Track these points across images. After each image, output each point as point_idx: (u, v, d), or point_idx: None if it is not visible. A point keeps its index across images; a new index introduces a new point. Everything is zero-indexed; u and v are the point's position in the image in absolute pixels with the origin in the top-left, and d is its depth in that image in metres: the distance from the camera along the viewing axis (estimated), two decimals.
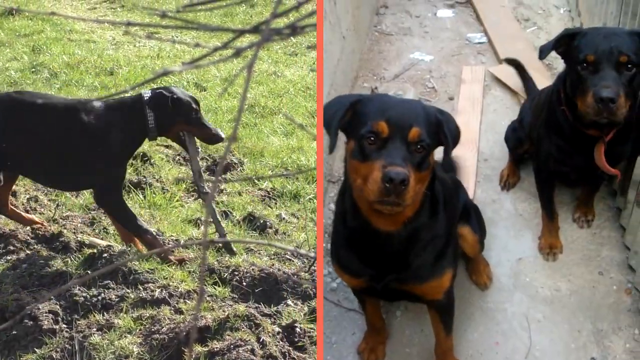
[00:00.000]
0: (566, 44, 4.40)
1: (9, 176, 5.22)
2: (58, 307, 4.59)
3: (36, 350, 4.31)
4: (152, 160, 6.43)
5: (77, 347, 4.30)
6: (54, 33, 9.87)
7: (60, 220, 5.48)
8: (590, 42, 4.20)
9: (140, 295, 4.64)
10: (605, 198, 5.48)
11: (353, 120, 3.47)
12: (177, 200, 5.92)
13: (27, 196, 5.78)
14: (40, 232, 5.25)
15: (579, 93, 4.23)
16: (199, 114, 5.09)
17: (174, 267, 4.92)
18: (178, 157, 6.58)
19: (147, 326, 4.43)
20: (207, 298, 4.63)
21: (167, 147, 6.73)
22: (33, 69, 8.46)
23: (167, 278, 4.80)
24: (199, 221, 5.60)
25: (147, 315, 4.49)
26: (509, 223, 5.42)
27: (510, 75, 6.58)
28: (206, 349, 4.26)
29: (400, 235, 3.60)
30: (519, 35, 7.40)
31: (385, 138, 3.29)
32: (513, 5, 7.97)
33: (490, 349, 4.63)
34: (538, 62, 6.39)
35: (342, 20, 6.44)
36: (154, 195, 5.94)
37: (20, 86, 7.98)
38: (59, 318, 4.52)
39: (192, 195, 6.06)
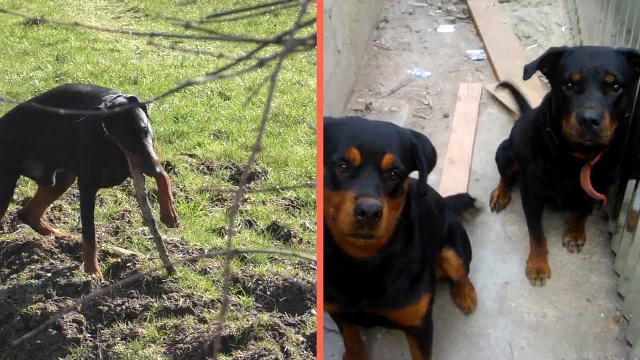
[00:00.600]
0: (551, 63, 4.28)
1: (52, 190, 5.25)
2: (82, 316, 4.58)
3: (60, 359, 4.31)
4: (176, 170, 6.42)
5: (101, 357, 4.29)
6: (78, 42, 9.90)
7: None
8: (576, 61, 4.07)
9: (164, 304, 4.63)
10: (596, 222, 5.36)
11: (325, 145, 3.35)
12: (201, 210, 5.91)
13: (51, 205, 5.78)
14: (64, 242, 5.25)
15: (563, 114, 4.09)
16: (139, 136, 4.65)
17: (198, 276, 4.91)
18: (202, 167, 6.58)
19: (171, 335, 4.42)
20: (231, 307, 4.62)
21: (191, 156, 6.73)
22: (57, 78, 8.49)
23: (191, 287, 4.78)
24: (222, 230, 5.58)
25: (171, 324, 4.48)
26: (497, 245, 5.29)
27: (507, 94, 6.45)
28: (230, 358, 4.25)
29: (374, 262, 3.52)
30: (519, 52, 7.32)
31: (357, 166, 3.19)
32: (514, 22, 7.92)
33: None
34: (536, 80, 6.39)
35: (337, 34, 6.41)
36: (178, 204, 5.93)
37: None
38: (83, 327, 4.51)
39: (216, 205, 6.05)
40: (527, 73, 4.46)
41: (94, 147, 4.70)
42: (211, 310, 4.62)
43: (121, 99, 4.65)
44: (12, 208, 5.67)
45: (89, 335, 4.47)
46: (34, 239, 5.19)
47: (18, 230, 5.41)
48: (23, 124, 4.96)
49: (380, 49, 7.68)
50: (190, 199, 6.03)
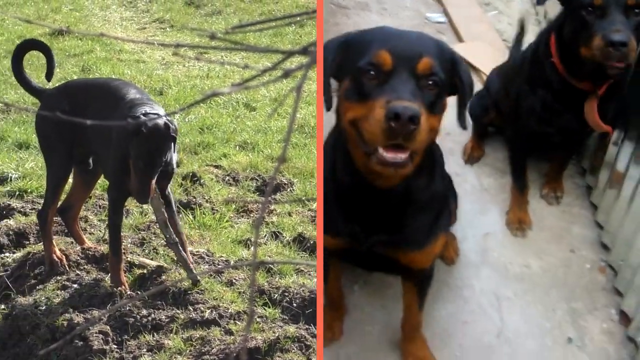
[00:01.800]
0: None
1: (85, 182, 5.28)
2: (108, 327, 4.58)
3: None
4: (201, 181, 6.42)
5: None
6: (104, 53, 9.92)
7: None
8: None
9: (191, 315, 4.63)
10: (572, 176, 5.37)
11: (346, 58, 2.97)
12: (227, 221, 5.90)
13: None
14: (90, 253, 5.25)
15: (582, 40, 4.05)
16: (150, 168, 4.56)
17: (224, 288, 4.90)
18: (228, 178, 6.57)
19: (197, 347, 4.40)
20: (257, 319, 4.60)
21: (216, 167, 6.72)
22: None
23: (217, 299, 4.77)
24: (248, 242, 5.57)
25: (197, 336, 4.47)
26: (474, 197, 5.19)
27: (473, 54, 6.40)
28: None
29: (398, 193, 3.15)
30: (481, 17, 7.30)
31: (388, 71, 2.78)
32: None
33: (459, 328, 4.44)
34: (500, 42, 6.57)
35: None
36: (203, 215, 5.92)
37: None
38: (109, 338, 4.51)
39: (242, 216, 6.04)
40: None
41: (120, 152, 4.69)
42: (237, 321, 4.61)
43: (157, 122, 4.50)
44: None
45: (115, 346, 4.47)
46: (60, 249, 5.19)
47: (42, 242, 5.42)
48: (72, 99, 4.95)
49: (338, 7, 7.57)
50: (216, 210, 6.02)
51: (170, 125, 4.52)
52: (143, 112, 4.59)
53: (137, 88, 4.98)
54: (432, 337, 4.30)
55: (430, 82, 2.79)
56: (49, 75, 5.13)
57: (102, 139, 4.82)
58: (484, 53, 6.33)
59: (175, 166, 4.77)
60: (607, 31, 3.86)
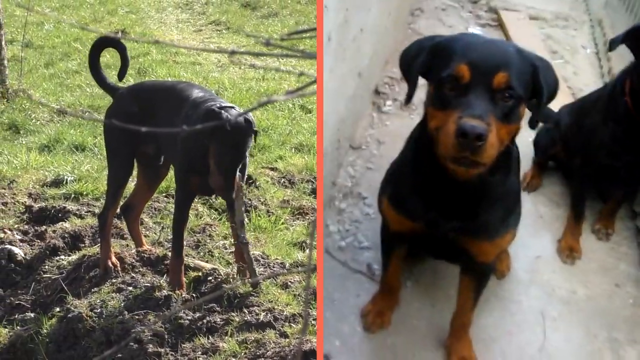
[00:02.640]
0: (636, 37, 4.38)
1: (149, 181, 5.30)
2: (163, 330, 4.56)
3: None
4: (257, 183, 6.40)
5: None
6: (160, 55, 9.96)
7: (166, 243, 5.46)
8: None
9: (245, 318, 4.59)
10: (623, 219, 5.47)
11: (434, 62, 3.14)
12: (282, 223, 5.87)
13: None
14: (145, 255, 5.24)
15: None
16: (236, 161, 4.61)
17: (279, 291, 4.86)
18: (283, 180, 6.54)
19: (252, 350, 4.37)
20: (312, 322, 4.56)
21: (272, 169, 6.70)
22: None
23: (272, 301, 4.74)
24: (304, 244, 5.53)
25: (252, 338, 4.44)
26: (528, 222, 5.24)
27: None
28: None
29: (474, 185, 3.32)
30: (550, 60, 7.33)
31: (466, 84, 2.96)
32: (542, 38, 7.88)
33: (504, 337, 4.52)
34: (565, 88, 6.62)
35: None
36: (259, 218, 5.90)
37: None
38: (164, 342, 4.50)
39: (297, 218, 6.01)
40: (613, 45, 4.53)
41: (188, 151, 4.69)
42: (292, 324, 4.56)
43: (240, 118, 4.54)
44: (93, 221, 5.69)
45: (170, 349, 4.44)
46: (115, 253, 5.18)
47: (99, 244, 5.42)
48: (141, 100, 4.98)
49: (415, 33, 7.61)
50: (272, 212, 6.00)
51: (252, 122, 4.57)
52: (218, 105, 4.61)
53: (202, 88, 5.00)
54: (477, 341, 4.36)
55: (506, 95, 2.97)
56: (121, 74, 5.14)
57: (171, 139, 4.82)
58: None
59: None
60: None
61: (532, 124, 3.35)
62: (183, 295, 4.80)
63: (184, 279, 4.94)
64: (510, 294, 4.78)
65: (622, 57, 4.80)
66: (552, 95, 3.28)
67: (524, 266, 4.98)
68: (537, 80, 3.14)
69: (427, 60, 3.19)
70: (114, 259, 5.11)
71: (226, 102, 4.81)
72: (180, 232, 4.91)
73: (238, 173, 4.59)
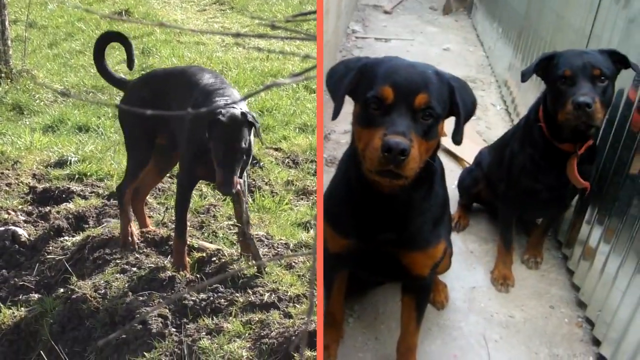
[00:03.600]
0: (545, 66, 4.84)
1: (158, 169, 5.31)
2: (167, 311, 4.56)
3: (145, 354, 4.29)
4: (261, 163, 6.39)
5: (185, 351, 4.26)
6: (164, 35, 9.94)
7: (170, 223, 5.45)
8: (567, 60, 4.66)
9: (250, 299, 4.59)
10: (549, 249, 5.89)
11: (360, 83, 3.33)
12: (287, 204, 5.86)
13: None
14: (149, 236, 5.24)
15: (559, 105, 4.65)
16: (232, 154, 4.54)
17: (283, 271, 4.86)
18: (287, 160, 6.53)
19: (256, 330, 4.37)
20: (317, 302, 4.56)
21: (276, 150, 6.69)
22: (142, 71, 8.51)
23: (276, 282, 4.73)
24: (308, 224, 5.53)
25: (257, 319, 4.44)
26: (461, 258, 5.64)
27: (459, 149, 7.02)
28: (316, 353, 4.18)
29: (400, 198, 3.51)
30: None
31: (389, 104, 3.16)
32: None
33: None
34: (480, 140, 7.49)
35: None
36: (263, 198, 5.89)
37: None
38: (168, 322, 4.49)
39: (302, 199, 6.00)
40: (525, 76, 4.96)
41: (194, 139, 4.67)
42: (296, 305, 4.56)
43: (234, 111, 4.49)
44: (97, 202, 5.68)
45: (174, 330, 4.44)
46: (119, 233, 5.18)
47: (103, 225, 5.41)
48: (153, 88, 4.97)
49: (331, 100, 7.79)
50: (276, 193, 5.99)
51: (247, 114, 4.51)
52: (217, 101, 4.59)
53: (212, 72, 4.96)
54: None
55: (426, 114, 3.19)
56: (130, 65, 5.12)
57: (179, 124, 4.81)
58: (469, 148, 6.87)
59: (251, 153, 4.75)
60: (575, 95, 4.50)
61: (455, 140, 3.49)
62: (187, 276, 4.80)
63: (188, 260, 4.94)
64: (451, 322, 5.00)
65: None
66: (470, 112, 3.51)
67: (461, 296, 5.25)
68: (454, 99, 3.36)
69: (354, 80, 3.37)
70: (135, 233, 5.13)
71: (236, 92, 4.79)
72: (183, 214, 4.90)
73: (241, 178, 4.60)
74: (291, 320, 4.40)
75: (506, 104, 8.66)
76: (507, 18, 9.84)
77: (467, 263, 5.61)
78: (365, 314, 4.87)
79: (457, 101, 3.36)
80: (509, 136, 5.61)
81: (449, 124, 3.45)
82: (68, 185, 5.98)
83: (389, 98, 3.16)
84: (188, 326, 4.45)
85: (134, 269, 4.92)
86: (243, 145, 4.51)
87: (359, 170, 3.45)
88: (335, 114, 3.42)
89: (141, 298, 4.64)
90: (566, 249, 5.71)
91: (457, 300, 5.16)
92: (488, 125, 7.95)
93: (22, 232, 5.46)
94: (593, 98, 4.44)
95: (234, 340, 4.31)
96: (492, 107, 8.59)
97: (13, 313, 4.85)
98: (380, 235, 3.64)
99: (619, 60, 4.67)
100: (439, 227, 3.77)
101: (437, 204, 3.72)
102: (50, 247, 5.32)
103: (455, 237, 5.81)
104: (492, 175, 5.79)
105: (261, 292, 4.65)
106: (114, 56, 8.95)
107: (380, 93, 3.17)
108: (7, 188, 6.01)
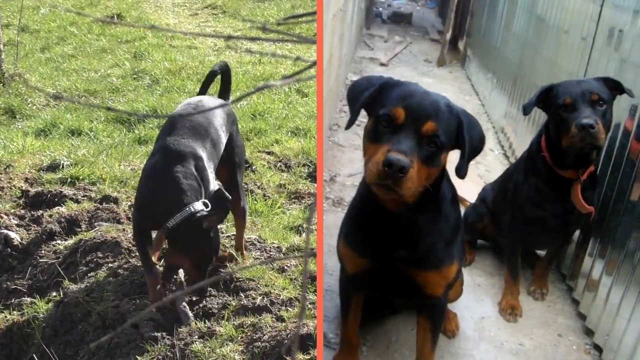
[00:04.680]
0: (544, 98, 5.00)
1: None
2: (159, 314, 4.56)
3: (137, 357, 4.28)
4: (253, 167, 6.39)
5: (178, 355, 4.26)
6: (156, 39, 9.95)
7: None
8: (566, 89, 4.83)
9: (242, 302, 4.60)
10: (554, 282, 5.95)
11: (377, 100, 3.46)
12: (279, 207, 5.87)
13: (129, 203, 5.79)
14: None
15: (562, 132, 4.80)
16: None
17: (275, 275, 4.86)
18: (280, 164, 6.54)
19: (248, 334, 4.37)
20: (309, 306, 4.56)
21: (268, 153, 6.70)
22: (135, 76, 8.53)
23: (268, 286, 4.74)
24: (300, 228, 5.53)
25: (249, 323, 4.44)
26: (468, 289, 5.64)
27: (461, 189, 7.14)
28: (308, 357, 4.19)
29: (407, 217, 3.62)
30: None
31: (399, 124, 3.29)
32: None
33: None
34: (480, 180, 7.73)
35: None
36: (255, 202, 5.90)
37: (122, 93, 8.04)
38: (160, 326, 4.50)
39: (294, 202, 6.00)
40: (527, 110, 5.11)
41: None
42: (289, 308, 4.57)
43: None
44: (90, 206, 5.69)
45: (166, 333, 4.44)
46: (111, 237, 5.18)
47: (96, 229, 5.41)
48: None
49: (335, 144, 8.03)
50: (268, 196, 6.00)
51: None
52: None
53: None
54: None
55: (431, 142, 3.30)
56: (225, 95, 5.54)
57: None
58: (471, 189, 6.89)
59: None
60: (578, 119, 4.64)
61: (459, 174, 3.59)
62: (179, 280, 4.81)
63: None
64: (462, 350, 5.01)
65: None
66: (476, 148, 3.60)
67: (471, 326, 5.28)
68: (461, 133, 3.46)
69: (372, 95, 3.51)
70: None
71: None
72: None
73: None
74: (283, 324, 4.41)
75: (504, 149, 8.94)
76: (501, 68, 10.19)
77: (475, 295, 5.68)
78: (378, 342, 4.87)
79: (464, 135, 3.46)
80: (511, 170, 5.77)
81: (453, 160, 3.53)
82: (60, 189, 5.98)
83: (400, 118, 3.28)
84: (180, 330, 4.46)
85: (126, 273, 4.92)
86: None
87: (370, 190, 3.53)
88: (349, 124, 3.58)
89: (133, 302, 4.65)
90: (570, 281, 5.84)
91: (468, 329, 5.20)
92: (487, 169, 8.17)
93: (15, 236, 5.46)
94: (595, 120, 4.59)
95: (226, 344, 4.32)
96: (490, 152, 8.79)
97: (5, 317, 4.85)
98: (394, 253, 3.72)
99: (614, 87, 4.84)
100: (452, 249, 3.84)
101: (449, 227, 3.79)
102: (43, 251, 5.32)
103: (462, 272, 5.82)
104: (496, 209, 5.93)
105: (253, 295, 4.66)
106: (106, 60, 8.97)
107: (392, 112, 3.29)
108: (0, 192, 6.00)
